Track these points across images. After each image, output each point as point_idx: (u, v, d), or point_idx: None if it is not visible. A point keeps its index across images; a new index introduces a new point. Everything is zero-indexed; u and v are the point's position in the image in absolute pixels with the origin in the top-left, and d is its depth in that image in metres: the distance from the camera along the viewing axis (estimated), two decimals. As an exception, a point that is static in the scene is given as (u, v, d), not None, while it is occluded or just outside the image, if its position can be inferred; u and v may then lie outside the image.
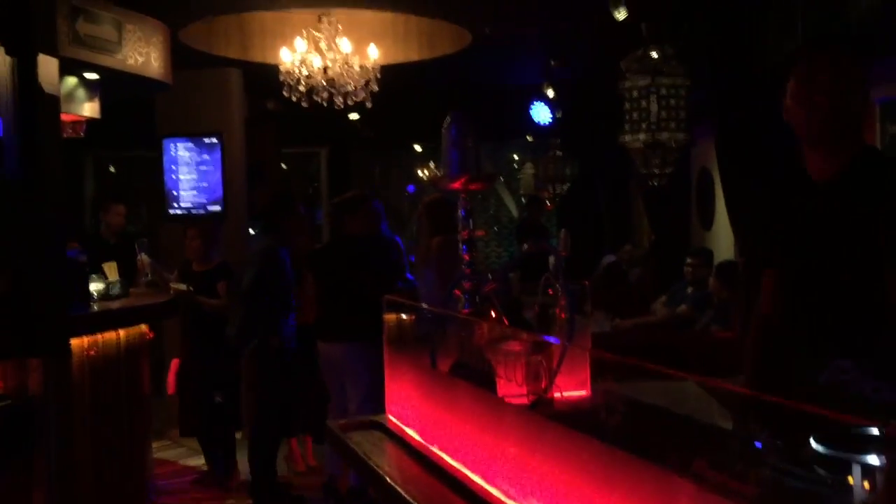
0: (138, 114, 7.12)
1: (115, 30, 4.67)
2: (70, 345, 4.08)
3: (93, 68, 4.72)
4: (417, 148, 12.51)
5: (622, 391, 2.18)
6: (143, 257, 5.67)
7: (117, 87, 5.34)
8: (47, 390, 3.83)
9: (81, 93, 5.15)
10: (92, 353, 4.51)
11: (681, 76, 5.29)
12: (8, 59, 3.69)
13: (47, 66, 3.89)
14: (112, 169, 10.97)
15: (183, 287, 5.24)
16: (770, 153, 4.56)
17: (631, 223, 9.87)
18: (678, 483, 1.34)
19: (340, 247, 5.06)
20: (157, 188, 7.29)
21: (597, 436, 1.57)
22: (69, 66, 4.29)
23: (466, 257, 2.38)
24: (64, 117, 4.60)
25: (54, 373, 3.88)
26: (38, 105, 3.85)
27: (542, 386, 2.12)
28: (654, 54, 5.05)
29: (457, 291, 2.42)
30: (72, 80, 4.93)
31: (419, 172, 12.79)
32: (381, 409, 4.76)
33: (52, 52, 3.95)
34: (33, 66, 3.80)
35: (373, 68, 5.58)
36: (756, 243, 2.45)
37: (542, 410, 1.96)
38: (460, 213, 2.40)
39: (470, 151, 2.37)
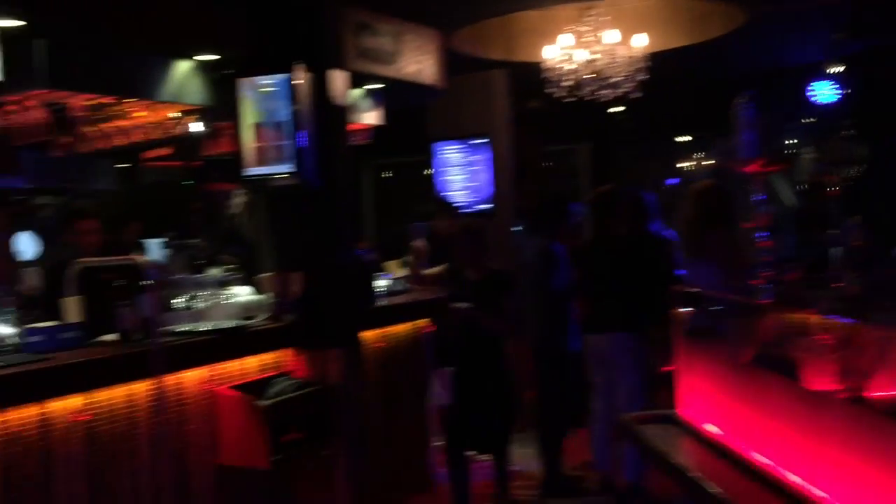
0: (408, 120, 7.51)
1: (393, 41, 4.96)
2: (360, 337, 4.39)
3: (375, 79, 5.03)
4: (681, 139, 12.07)
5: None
6: (419, 243, 5.78)
7: (394, 96, 5.66)
8: (344, 378, 4.13)
9: (367, 102, 5.53)
10: (381, 344, 4.82)
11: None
12: (307, 75, 4.02)
13: (337, 79, 4.20)
14: (387, 174, 11.67)
15: (464, 306, 4.24)
16: None
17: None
18: None
19: (601, 244, 5.02)
20: (427, 191, 7.63)
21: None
22: (356, 79, 4.60)
23: (768, 244, 2.23)
24: (353, 127, 4.95)
25: (349, 362, 4.18)
26: (330, 116, 4.17)
27: (861, 381, 1.93)
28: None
29: (755, 281, 2.28)
30: (359, 91, 5.29)
31: (682, 164, 12.32)
32: (650, 402, 4.68)
33: (341, 66, 4.26)
34: (325, 80, 4.12)
35: (640, 57, 5.45)
36: None
37: (868, 406, 1.78)
38: (757, 198, 2.26)
39: (767, 131, 2.23)
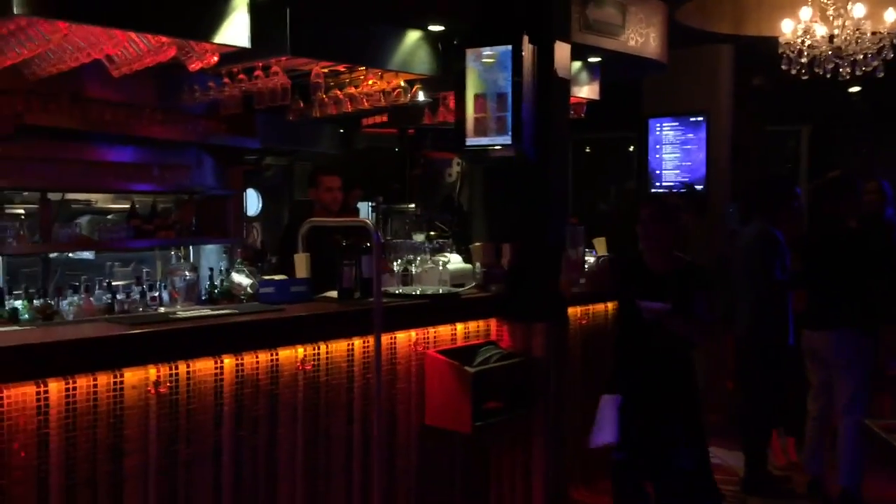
0: (619, 95, 7.33)
1: (619, 13, 4.83)
2: (567, 313, 4.38)
3: (597, 52, 4.94)
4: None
5: None
6: None
7: (614, 70, 5.53)
8: (548, 351, 4.14)
9: (584, 75, 5.44)
10: (584, 321, 4.79)
11: None
12: (531, 46, 4.01)
13: (562, 51, 4.16)
14: (588, 150, 11.51)
15: (657, 306, 3.49)
16: None
17: None
18: None
19: (827, 234, 4.70)
20: (627, 168, 7.46)
21: None
22: (578, 51, 4.53)
23: None
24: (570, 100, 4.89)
25: (554, 336, 4.18)
26: (551, 89, 4.13)
27: None
28: None
29: None
30: (576, 64, 5.22)
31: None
32: (866, 406, 4.34)
33: (566, 38, 4.21)
34: (551, 52, 4.09)
35: (889, 33, 4.98)
36: None
37: None
38: None
39: None
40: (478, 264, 4.35)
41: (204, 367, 2.98)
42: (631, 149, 9.68)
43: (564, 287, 4.12)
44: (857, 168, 10.20)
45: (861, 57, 5.08)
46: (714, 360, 6.07)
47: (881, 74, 5.28)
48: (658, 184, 7.13)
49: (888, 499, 4.54)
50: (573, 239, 4.27)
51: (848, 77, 5.34)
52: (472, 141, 4.18)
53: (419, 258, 4.18)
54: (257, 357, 3.15)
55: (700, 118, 6.91)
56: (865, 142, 11.65)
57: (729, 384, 6.14)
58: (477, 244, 4.39)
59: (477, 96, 4.18)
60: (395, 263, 4.13)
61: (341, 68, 4.69)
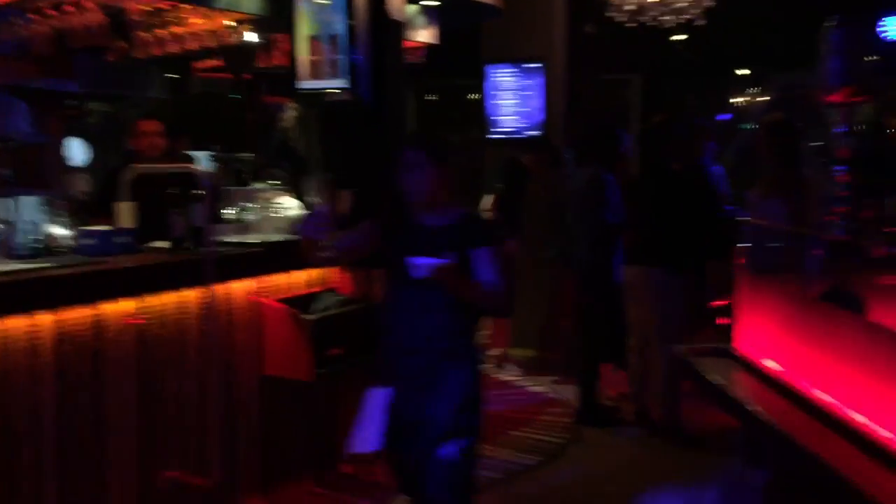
0: (460, 42, 7.36)
1: (453, -45, 4.81)
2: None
3: (432, -5, 4.90)
4: (741, 72, 11.72)
5: None
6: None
7: (451, 15, 5.52)
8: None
9: (422, 20, 5.40)
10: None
11: None
12: (363, -10, 3.92)
13: (395, -7, 4.09)
14: (431, 96, 11.51)
15: (431, 262, 2.72)
16: None
17: None
18: None
19: (652, 176, 4.92)
20: (473, 115, 7.54)
21: None
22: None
23: (845, 178, 2.15)
24: (406, 44, 4.84)
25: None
26: (386, 31, 4.07)
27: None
28: None
29: (828, 217, 2.20)
30: (413, 8, 5.16)
31: (735, 100, 12.00)
32: (676, 339, 4.57)
33: (398, -22, 4.14)
34: (383, -5, 4.02)
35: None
36: None
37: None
38: (840, 129, 2.16)
39: (856, 61, 2.11)
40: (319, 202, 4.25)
41: (15, 325, 2.77)
42: (474, 96, 9.79)
43: (306, 250, 2.92)
44: (685, 115, 10.76)
45: (682, 5, 5.31)
46: (555, 300, 6.29)
47: (702, 23, 5.55)
48: (496, 130, 7.24)
49: (707, 422, 4.85)
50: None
51: (671, 25, 5.58)
52: (306, 84, 4.07)
53: (256, 206, 4.05)
54: (78, 312, 2.97)
55: (537, 65, 7.04)
56: (692, 90, 12.29)
57: (563, 322, 6.39)
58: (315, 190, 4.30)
59: (311, 38, 4.06)
60: (229, 211, 3.98)
61: (164, 5, 4.42)
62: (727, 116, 12.32)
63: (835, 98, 2.10)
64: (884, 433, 1.62)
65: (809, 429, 1.76)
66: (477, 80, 7.36)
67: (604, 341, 5.27)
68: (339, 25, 3.97)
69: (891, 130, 8.77)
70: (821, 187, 2.44)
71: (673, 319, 4.69)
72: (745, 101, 12.86)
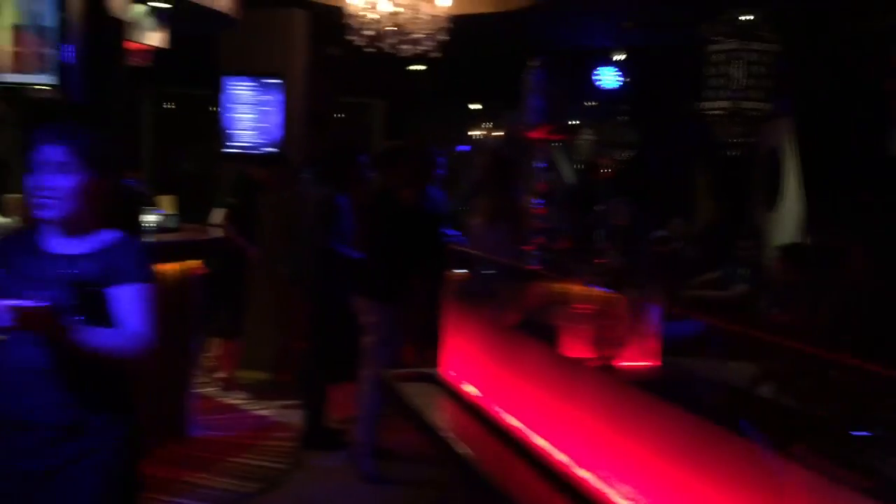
0: (201, 52, 7.07)
1: (185, -42, 4.60)
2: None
3: (162, -3, 4.65)
4: (474, 107, 12.34)
5: (687, 364, 2.06)
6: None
7: (185, 21, 5.27)
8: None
9: (150, 22, 5.10)
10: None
11: (772, 42, 5.00)
12: (79, -18, 3.63)
13: (117, -10, 3.83)
14: (170, 105, 10.97)
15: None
16: (856, 128, 4.33)
17: (688, 197, 9.60)
18: (777, 462, 1.22)
19: (380, 202, 4.92)
20: (213, 127, 7.26)
21: (679, 404, 1.46)
22: (138, -7, 4.22)
23: (542, 211, 2.26)
24: (132, 45, 4.55)
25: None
26: (104, 28, 3.79)
27: (613, 350, 2.01)
28: (744, 17, 4.79)
29: (527, 247, 2.31)
30: (141, 9, 4.86)
31: (473, 133, 12.62)
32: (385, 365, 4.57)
33: (121, -24, 3.88)
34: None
35: (443, 17, 5.43)
36: (859, 219, 2.31)
37: (617, 374, 1.85)
38: (538, 165, 2.28)
39: (554, 100, 2.24)
40: (15, 218, 3.85)
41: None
42: (212, 108, 9.45)
43: None
44: (425, 141, 11.09)
45: (419, 36, 5.46)
46: (290, 320, 6.17)
47: (438, 55, 5.73)
48: (232, 144, 7.01)
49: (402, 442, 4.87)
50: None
51: (409, 55, 5.72)
52: (7, 77, 3.67)
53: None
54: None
55: (276, 81, 6.91)
56: (433, 120, 12.74)
57: (298, 343, 6.29)
58: (14, 195, 3.88)
59: (16, 27, 3.68)
60: None
61: None
62: (466, 148, 12.92)
63: (535, 134, 2.22)
64: (560, 456, 1.70)
65: (495, 452, 1.82)
66: (217, 92, 7.10)
67: (332, 364, 5.23)
68: (49, 16, 3.63)
69: (604, 169, 9.64)
70: (529, 219, 2.61)
71: (379, 348, 4.62)
72: (482, 134, 13.53)
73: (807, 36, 4.94)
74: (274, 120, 6.90)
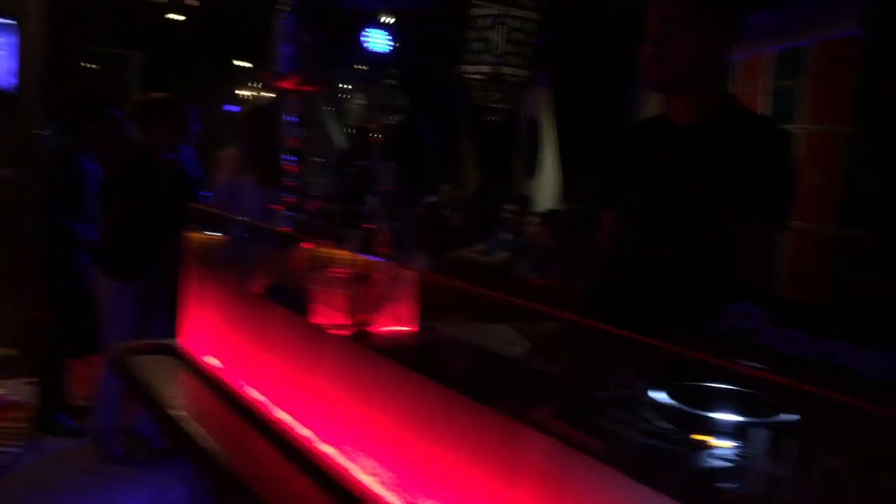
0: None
1: None
2: None
3: None
4: (242, 64, 11.84)
5: (445, 330, 2.01)
6: None
7: None
8: None
9: None
10: None
11: (532, 10, 5.11)
12: None
13: None
14: None
15: None
16: (609, 96, 4.54)
17: (457, 164, 9.80)
18: (518, 429, 1.17)
19: (128, 163, 4.50)
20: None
21: (428, 374, 1.38)
22: None
23: (294, 169, 2.11)
24: None
25: None
26: None
27: (367, 317, 1.92)
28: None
29: (277, 206, 2.15)
30: None
31: (242, 92, 12.13)
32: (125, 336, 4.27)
33: None
34: None
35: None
36: (606, 186, 2.36)
37: (367, 343, 1.75)
38: (290, 118, 2.12)
39: (307, 49, 2.08)
40: None
41: None
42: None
43: None
44: (190, 101, 10.45)
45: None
46: (31, 288, 5.57)
47: (195, 3, 5.34)
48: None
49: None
50: None
51: (164, 2, 5.28)
52: None
53: None
54: None
55: (9, 22, 6.16)
56: (199, 77, 12.05)
57: (39, 314, 5.72)
58: None
59: None
60: None
61: None
62: (235, 108, 12.38)
63: (286, 84, 2.05)
64: (303, 431, 1.57)
65: (234, 428, 1.66)
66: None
67: (74, 336, 4.78)
68: None
69: (374, 134, 9.59)
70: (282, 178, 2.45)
71: (118, 323, 4.27)
72: (252, 94, 13.03)
73: (562, 7, 5.10)
74: (6, 65, 6.15)
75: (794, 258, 4.87)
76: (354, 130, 10.14)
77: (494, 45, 4.89)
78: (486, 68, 5.02)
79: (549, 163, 7.72)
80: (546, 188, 7.93)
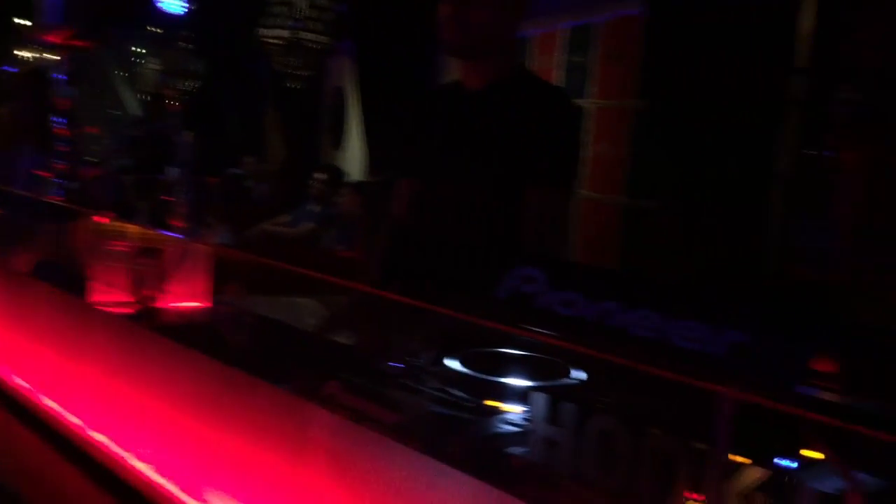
0: None
1: None
2: None
3: None
4: (22, 22, 10.87)
5: (242, 305, 1.92)
6: None
7: None
8: None
9: None
10: None
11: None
12: None
13: None
14: None
15: None
16: (412, 65, 4.52)
17: (261, 134, 9.49)
18: (305, 407, 1.12)
19: None
20: None
21: (215, 353, 1.29)
22: None
23: (65, 132, 1.92)
24: None
25: None
26: None
27: (151, 293, 1.78)
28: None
29: (44, 172, 1.96)
30: None
31: (24, 53, 11.14)
32: None
33: None
34: None
35: None
36: (403, 154, 2.33)
37: (149, 322, 1.62)
38: (58, 76, 1.92)
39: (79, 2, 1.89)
40: None
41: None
42: None
43: None
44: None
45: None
46: None
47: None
48: None
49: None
50: None
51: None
52: None
53: None
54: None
55: None
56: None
57: None
58: None
59: None
60: None
61: None
62: (13, 69, 11.35)
63: (53, 38, 1.85)
64: (73, 419, 1.44)
65: (-6, 423, 1.49)
66: None
67: None
68: None
69: (170, 102, 9.07)
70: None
71: None
72: (33, 54, 11.98)
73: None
74: None
75: (586, 227, 5.11)
76: (149, 97, 9.56)
77: (296, 9, 4.73)
78: (285, 33, 4.85)
79: (356, 133, 7.65)
80: (353, 159, 7.86)
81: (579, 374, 1.49)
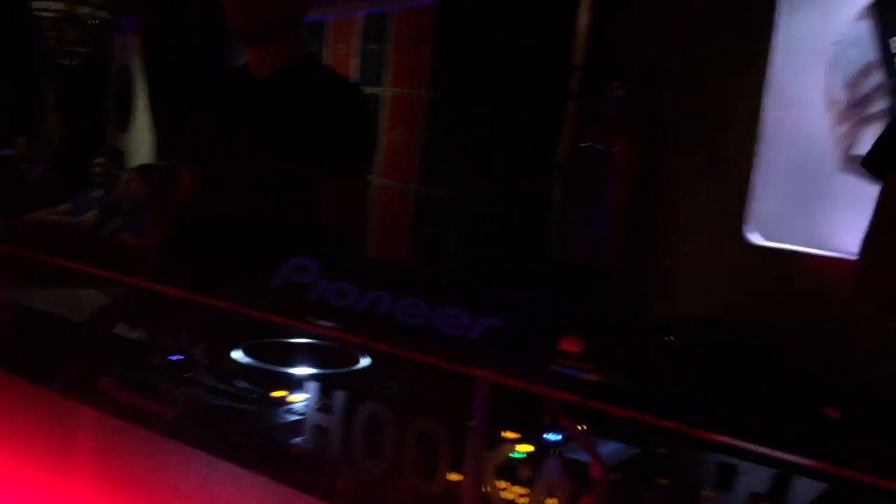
0: None
1: None
2: None
3: None
4: None
5: (15, 298, 1.81)
6: None
7: None
8: None
9: None
10: None
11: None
12: None
13: None
14: None
15: None
16: (201, 47, 4.37)
17: (36, 112, 8.79)
18: (70, 407, 1.07)
19: None
20: None
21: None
22: None
23: None
24: None
25: None
26: None
27: None
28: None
29: None
30: None
31: None
32: None
33: None
34: None
35: None
36: (187, 139, 2.26)
37: None
38: None
39: None
40: None
41: None
42: None
43: None
44: None
45: None
46: None
47: None
48: None
49: None
50: None
51: None
52: None
53: None
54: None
55: None
56: None
57: None
58: None
59: None
60: None
61: None
62: None
63: None
64: None
65: None
66: None
67: None
68: None
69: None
70: None
71: None
72: None
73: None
74: None
75: (380, 214, 5.18)
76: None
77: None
78: (59, 5, 4.51)
79: (144, 115, 7.28)
80: (141, 141, 7.48)
81: (366, 362, 1.52)
